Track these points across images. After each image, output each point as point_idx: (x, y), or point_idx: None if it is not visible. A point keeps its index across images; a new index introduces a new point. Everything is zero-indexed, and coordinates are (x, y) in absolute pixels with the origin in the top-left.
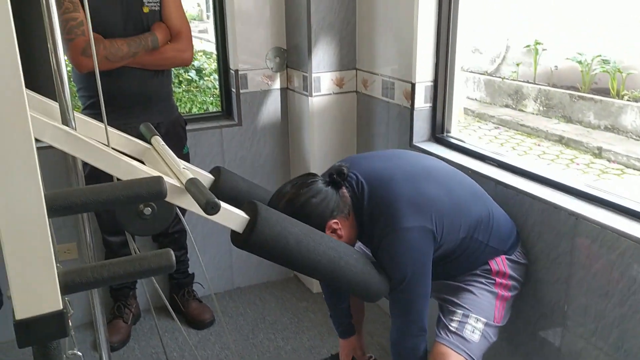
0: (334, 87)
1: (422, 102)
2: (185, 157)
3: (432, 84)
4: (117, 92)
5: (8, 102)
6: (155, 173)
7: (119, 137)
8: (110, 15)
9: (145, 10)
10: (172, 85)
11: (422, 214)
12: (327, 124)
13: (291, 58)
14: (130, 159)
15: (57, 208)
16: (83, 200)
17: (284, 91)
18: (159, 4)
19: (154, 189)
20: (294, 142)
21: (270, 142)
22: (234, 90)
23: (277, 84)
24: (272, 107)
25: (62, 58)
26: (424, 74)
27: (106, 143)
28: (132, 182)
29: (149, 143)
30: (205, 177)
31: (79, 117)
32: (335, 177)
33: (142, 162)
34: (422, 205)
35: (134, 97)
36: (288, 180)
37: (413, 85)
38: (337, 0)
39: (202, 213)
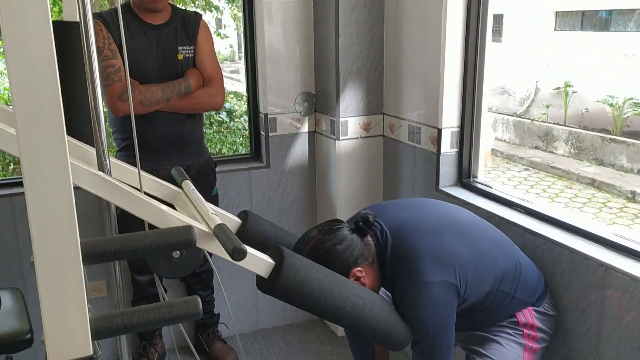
0: (361, 131)
1: (448, 147)
2: (214, 199)
3: (458, 129)
4: (150, 135)
5: (50, 150)
6: (185, 219)
7: (151, 181)
8: (146, 62)
9: (180, 57)
10: (204, 128)
11: (445, 269)
12: (353, 167)
13: (319, 102)
14: (161, 203)
15: (92, 256)
16: (117, 249)
17: (312, 134)
18: (192, 51)
19: (183, 238)
20: (321, 184)
21: (298, 185)
22: (263, 133)
23: (305, 128)
24: (300, 150)
25: (101, 106)
26: (450, 120)
27: (139, 187)
28: (163, 231)
29: (180, 187)
30: (233, 221)
31: (114, 162)
32: (361, 225)
33: (173, 206)
34: (445, 260)
35: (166, 140)
36: (314, 226)
37: (439, 131)
38: (365, 47)
39: (229, 258)
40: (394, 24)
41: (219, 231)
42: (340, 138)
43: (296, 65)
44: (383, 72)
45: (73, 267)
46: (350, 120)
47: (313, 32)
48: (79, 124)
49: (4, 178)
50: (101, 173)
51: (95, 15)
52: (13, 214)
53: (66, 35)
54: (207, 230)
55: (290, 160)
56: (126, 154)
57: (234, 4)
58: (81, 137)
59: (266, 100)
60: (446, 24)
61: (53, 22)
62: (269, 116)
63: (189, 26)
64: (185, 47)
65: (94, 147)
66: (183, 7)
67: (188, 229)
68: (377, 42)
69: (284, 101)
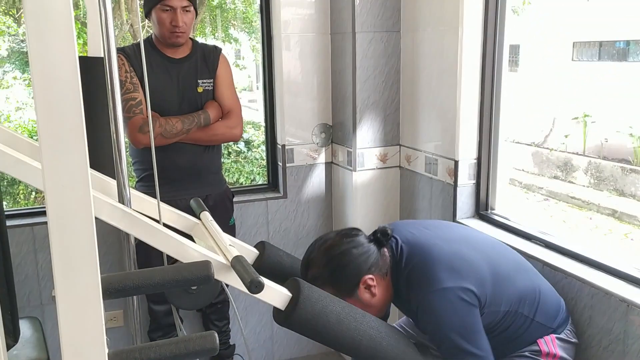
0: (377, 162)
1: (465, 179)
2: (231, 229)
3: (475, 161)
4: (169, 165)
5: (74, 185)
6: (203, 251)
7: (170, 213)
8: (167, 95)
9: (200, 90)
10: (222, 157)
11: (462, 276)
12: (370, 198)
13: (336, 133)
14: (179, 235)
15: (112, 291)
16: (136, 284)
17: (329, 165)
18: (212, 84)
19: (201, 273)
20: (337, 215)
21: (314, 215)
22: (280, 163)
23: (322, 159)
24: (316, 180)
25: (123, 139)
26: (467, 151)
27: (158, 219)
28: (181, 266)
29: (198, 218)
30: (251, 252)
31: (133, 193)
32: (379, 236)
33: (191, 237)
34: (463, 270)
35: (185, 171)
36: (332, 230)
37: (456, 163)
38: (381, 80)
39: (246, 290)
40: (411, 56)
41: (237, 263)
42: (357, 169)
43: (314, 97)
44: (399, 104)
45: (93, 302)
46: (367, 151)
47: (330, 65)
48: (99, 156)
49: (26, 207)
50: (122, 205)
51: (118, 50)
52: (34, 243)
53: (90, 70)
54: (224, 262)
55: (307, 191)
56: (145, 185)
57: (253, 36)
58: (102, 169)
59: (284, 131)
60: (462, 56)
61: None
62: (286, 147)
63: (209, 60)
64: (205, 80)
65: (114, 178)
66: (203, 41)
67: (206, 264)
68: (394, 74)
69: (301, 132)
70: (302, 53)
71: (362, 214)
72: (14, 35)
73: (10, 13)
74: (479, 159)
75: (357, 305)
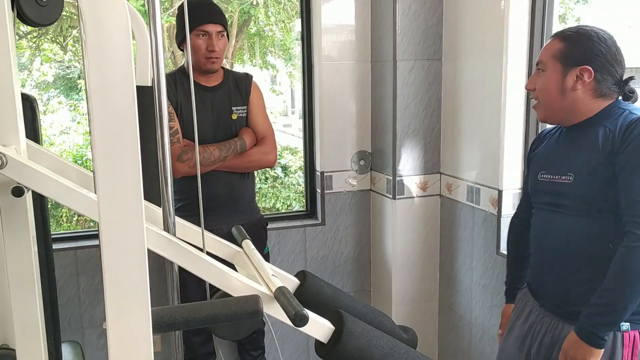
0: (417, 190)
1: (510, 209)
2: (265, 257)
3: (520, 190)
4: (205, 194)
5: (128, 216)
6: (246, 281)
7: (212, 241)
8: (202, 122)
9: (234, 117)
10: (258, 184)
11: None
12: (409, 226)
13: (375, 161)
14: (222, 264)
15: (162, 325)
16: (185, 319)
17: (367, 193)
18: (245, 111)
19: (251, 308)
20: (376, 243)
21: (352, 243)
22: (319, 190)
23: (361, 186)
24: (355, 208)
25: (169, 168)
26: (511, 181)
27: (200, 246)
28: (231, 301)
29: (240, 246)
30: (291, 282)
31: (178, 221)
32: (627, 91)
33: (233, 265)
34: None
35: (221, 199)
36: None
37: (500, 192)
38: (422, 107)
39: (289, 322)
40: (452, 84)
41: (280, 295)
42: (397, 197)
43: (353, 124)
44: (440, 132)
45: (143, 337)
46: (407, 179)
47: (370, 92)
48: (145, 184)
49: (69, 231)
50: (167, 234)
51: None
52: (76, 266)
53: (138, 98)
54: (267, 293)
55: (345, 218)
56: (183, 215)
57: (289, 63)
58: (147, 196)
59: (323, 158)
60: (507, 84)
61: None
62: (325, 174)
63: (242, 87)
64: (238, 107)
65: (158, 206)
66: (241, 68)
67: (255, 299)
68: (435, 102)
69: (340, 159)
70: (342, 80)
71: (401, 243)
72: (59, 62)
73: (57, 41)
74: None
75: (551, 84)
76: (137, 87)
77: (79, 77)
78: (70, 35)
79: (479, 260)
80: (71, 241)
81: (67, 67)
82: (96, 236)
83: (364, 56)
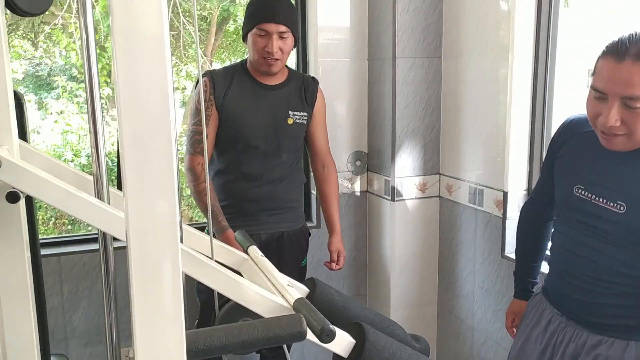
0: (417, 191)
1: (515, 212)
2: (302, 270)
3: (526, 192)
4: (244, 196)
5: (161, 232)
6: (264, 292)
7: (218, 248)
8: (253, 121)
9: (290, 121)
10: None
11: None
12: (408, 229)
13: (372, 162)
14: (236, 274)
15: (196, 351)
16: (222, 343)
17: (364, 194)
18: (305, 119)
19: (294, 330)
20: (373, 246)
21: (348, 246)
22: (313, 192)
23: (357, 187)
24: (351, 210)
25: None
26: (517, 182)
27: (209, 255)
28: (272, 323)
29: (246, 252)
30: (301, 290)
31: (185, 229)
32: None
33: (240, 273)
34: None
35: (261, 203)
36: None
37: (505, 194)
38: (422, 106)
39: (313, 338)
40: (453, 83)
41: (301, 307)
42: (395, 199)
43: (349, 123)
44: (440, 132)
45: None
46: (406, 180)
47: (367, 91)
48: None
49: (53, 237)
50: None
51: (206, 72)
52: (60, 274)
53: None
54: (285, 305)
55: (340, 220)
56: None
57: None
58: None
59: None
60: (512, 83)
61: None
62: None
63: (307, 91)
64: (296, 113)
65: None
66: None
67: (298, 319)
68: (435, 101)
69: (335, 160)
70: (338, 79)
71: (399, 246)
72: (30, 58)
73: (29, 37)
74: (529, 190)
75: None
76: None
77: (49, 75)
78: (42, 32)
79: (482, 263)
80: (54, 247)
81: (38, 65)
82: (81, 242)
83: (361, 54)
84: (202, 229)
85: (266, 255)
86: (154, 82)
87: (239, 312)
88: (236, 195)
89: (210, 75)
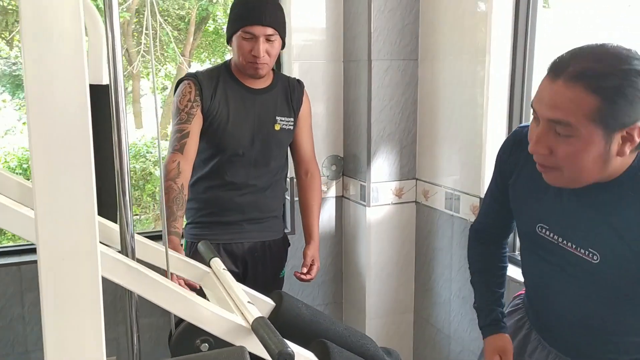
0: (392, 197)
1: None
2: (280, 282)
3: None
4: (227, 205)
5: (76, 239)
6: (219, 311)
7: (177, 261)
8: (240, 126)
9: (277, 127)
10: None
11: None
12: (384, 235)
13: (348, 166)
14: (188, 291)
15: None
16: None
17: (339, 199)
18: (292, 124)
19: None
20: (348, 252)
21: (323, 252)
22: (288, 197)
23: (332, 192)
24: (326, 215)
25: (128, 178)
26: None
27: (165, 268)
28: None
29: (208, 265)
30: (266, 304)
31: (139, 241)
32: None
33: (201, 288)
34: None
35: (245, 212)
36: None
37: (481, 200)
38: (398, 111)
39: (268, 358)
40: (429, 86)
41: (259, 327)
42: (371, 204)
43: (324, 127)
44: (417, 136)
45: None
46: (382, 185)
47: (343, 94)
48: (101, 196)
49: (13, 245)
50: (124, 258)
51: (189, 75)
52: (21, 284)
53: (92, 99)
54: (244, 325)
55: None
56: (197, 227)
57: None
58: (104, 212)
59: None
60: (489, 86)
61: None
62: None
63: (293, 95)
64: (283, 118)
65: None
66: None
67: (240, 353)
68: (411, 104)
69: None
70: (313, 82)
71: (375, 252)
72: (5, 58)
73: (3, 36)
74: None
75: (588, 155)
76: (92, 85)
77: None
78: (16, 30)
79: (458, 270)
80: (14, 255)
81: (14, 64)
82: None
83: (336, 55)
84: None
85: (248, 265)
86: (68, 80)
87: (195, 332)
88: (219, 203)
89: (195, 77)
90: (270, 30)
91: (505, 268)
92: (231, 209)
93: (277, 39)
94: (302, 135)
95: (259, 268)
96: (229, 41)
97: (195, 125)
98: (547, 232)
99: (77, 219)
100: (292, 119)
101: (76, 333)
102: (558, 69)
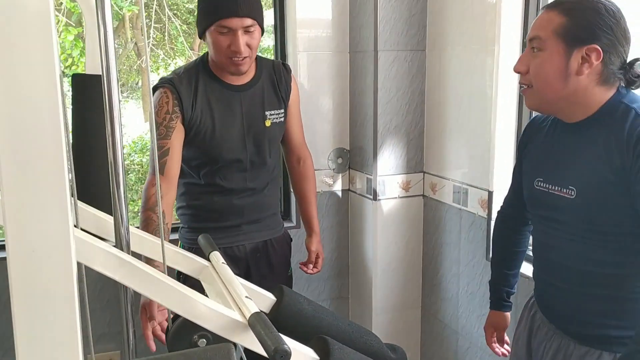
0: (400, 190)
1: None
2: (289, 280)
3: None
4: (225, 207)
5: (49, 226)
6: (215, 306)
7: (174, 254)
8: (228, 131)
9: (267, 124)
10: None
11: None
12: (391, 229)
13: (354, 159)
14: (184, 286)
15: None
16: None
17: (345, 193)
18: (282, 116)
19: None
20: (354, 246)
21: (329, 247)
22: (293, 191)
23: (338, 186)
24: (332, 209)
25: (122, 168)
26: (503, 181)
27: (161, 260)
28: (193, 355)
29: (207, 259)
30: (267, 299)
31: (134, 233)
32: (633, 77)
33: (199, 282)
34: None
35: (243, 213)
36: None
37: (490, 194)
38: (405, 102)
39: (265, 354)
40: (437, 77)
41: (256, 322)
42: (378, 198)
43: (330, 119)
44: (424, 128)
45: None
46: (388, 178)
47: (349, 85)
48: (96, 187)
49: None
50: (118, 252)
51: (165, 81)
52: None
53: (87, 89)
54: (240, 320)
55: (321, 221)
56: (191, 235)
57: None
58: (99, 204)
59: None
60: (498, 77)
61: (73, 75)
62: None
63: (281, 84)
64: (273, 112)
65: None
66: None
67: (226, 350)
68: (418, 96)
69: (316, 157)
70: (319, 74)
71: (382, 246)
72: None
73: None
74: None
75: (551, 68)
76: (86, 75)
77: None
78: None
79: (466, 265)
80: None
81: None
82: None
83: (342, 46)
84: (175, 229)
85: (255, 266)
86: (37, 65)
87: (193, 327)
88: (216, 208)
89: (171, 84)
90: (248, 21)
91: (520, 253)
92: (230, 213)
93: (256, 29)
94: (292, 122)
95: (265, 270)
96: (201, 36)
97: (176, 140)
98: (542, 184)
99: (48, 206)
100: (282, 111)
101: (49, 329)
102: (552, 4)
